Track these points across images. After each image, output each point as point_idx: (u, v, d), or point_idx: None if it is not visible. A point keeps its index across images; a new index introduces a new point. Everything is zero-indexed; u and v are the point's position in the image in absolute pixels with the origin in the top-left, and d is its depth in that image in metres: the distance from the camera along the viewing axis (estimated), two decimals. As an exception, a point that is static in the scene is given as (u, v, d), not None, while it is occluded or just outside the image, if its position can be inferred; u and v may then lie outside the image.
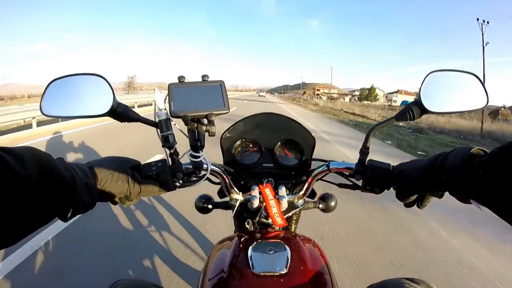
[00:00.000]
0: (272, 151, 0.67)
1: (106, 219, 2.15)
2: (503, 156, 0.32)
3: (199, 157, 0.49)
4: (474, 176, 0.35)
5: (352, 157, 4.46)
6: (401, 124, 9.40)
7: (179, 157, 0.50)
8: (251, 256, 0.47)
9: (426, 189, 0.46)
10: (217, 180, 0.62)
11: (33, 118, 6.20)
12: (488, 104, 0.50)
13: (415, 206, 0.52)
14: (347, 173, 0.57)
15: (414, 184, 0.47)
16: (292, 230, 0.73)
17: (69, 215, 0.36)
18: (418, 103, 0.50)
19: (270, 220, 0.61)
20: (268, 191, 0.59)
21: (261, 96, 52.03)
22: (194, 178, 0.53)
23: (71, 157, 3.98)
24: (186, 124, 0.47)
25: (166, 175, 0.47)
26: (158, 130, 0.48)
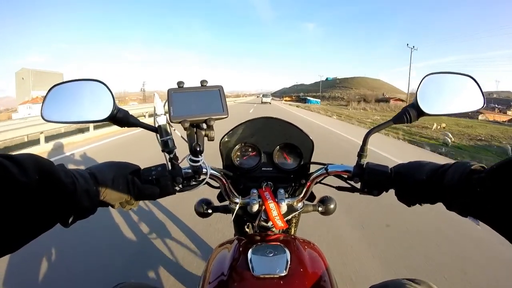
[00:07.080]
0: (271, 155, 0.67)
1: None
2: (501, 173, 0.32)
3: (198, 161, 0.49)
4: (472, 193, 0.35)
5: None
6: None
7: (179, 161, 0.50)
8: (250, 258, 0.47)
9: (423, 200, 0.46)
10: (216, 184, 0.62)
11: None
12: (485, 105, 0.51)
13: None
14: (345, 176, 0.58)
15: (411, 190, 0.47)
16: (292, 233, 0.73)
17: (70, 221, 0.37)
18: (415, 105, 0.50)
19: (269, 224, 0.61)
20: (268, 195, 0.59)
21: (265, 103, 30.45)
22: (194, 183, 0.53)
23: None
24: (185, 129, 0.47)
25: (166, 179, 0.48)
26: (158, 135, 0.49)
